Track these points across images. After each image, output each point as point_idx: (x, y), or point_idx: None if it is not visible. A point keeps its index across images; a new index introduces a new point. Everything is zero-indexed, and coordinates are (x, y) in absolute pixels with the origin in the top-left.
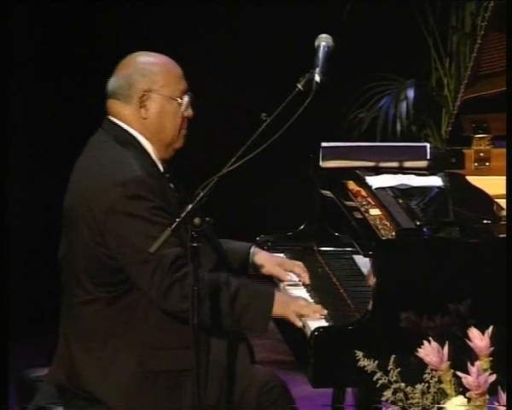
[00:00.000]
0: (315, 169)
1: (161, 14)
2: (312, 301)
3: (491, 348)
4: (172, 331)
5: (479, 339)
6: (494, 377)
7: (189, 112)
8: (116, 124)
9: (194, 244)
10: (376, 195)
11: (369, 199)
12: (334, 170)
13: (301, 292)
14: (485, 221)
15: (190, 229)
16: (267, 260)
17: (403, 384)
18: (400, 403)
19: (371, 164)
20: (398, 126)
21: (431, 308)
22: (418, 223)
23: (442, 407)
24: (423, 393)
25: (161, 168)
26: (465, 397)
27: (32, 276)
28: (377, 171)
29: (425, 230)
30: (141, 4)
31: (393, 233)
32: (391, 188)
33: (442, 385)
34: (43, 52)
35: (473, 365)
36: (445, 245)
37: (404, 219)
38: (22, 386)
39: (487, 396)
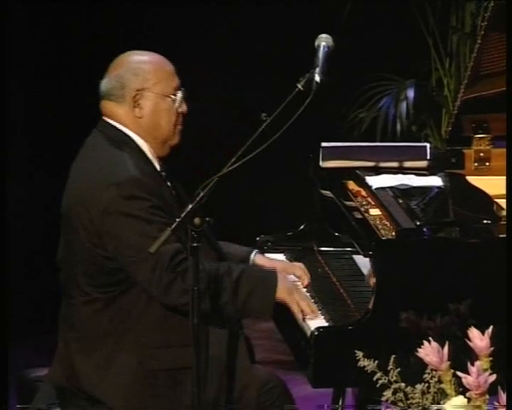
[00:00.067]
0: (315, 169)
1: (161, 14)
2: (312, 301)
3: (491, 348)
4: (171, 330)
5: (479, 339)
6: (494, 377)
7: (184, 107)
8: (111, 124)
9: (195, 244)
10: (376, 195)
11: (369, 199)
12: (334, 170)
13: None
14: (485, 221)
15: (190, 229)
16: (267, 265)
17: (403, 384)
18: (400, 403)
19: (371, 164)
20: (398, 126)
21: (431, 308)
22: (418, 223)
23: (442, 407)
24: (423, 393)
25: (157, 167)
26: (465, 397)
27: (32, 276)
28: (377, 171)
29: (425, 230)
30: (141, 4)
31: (393, 233)
32: (391, 188)
33: (442, 385)
34: (43, 52)
35: (473, 365)
36: (445, 245)
37: (404, 219)
38: (22, 386)
39: (487, 396)
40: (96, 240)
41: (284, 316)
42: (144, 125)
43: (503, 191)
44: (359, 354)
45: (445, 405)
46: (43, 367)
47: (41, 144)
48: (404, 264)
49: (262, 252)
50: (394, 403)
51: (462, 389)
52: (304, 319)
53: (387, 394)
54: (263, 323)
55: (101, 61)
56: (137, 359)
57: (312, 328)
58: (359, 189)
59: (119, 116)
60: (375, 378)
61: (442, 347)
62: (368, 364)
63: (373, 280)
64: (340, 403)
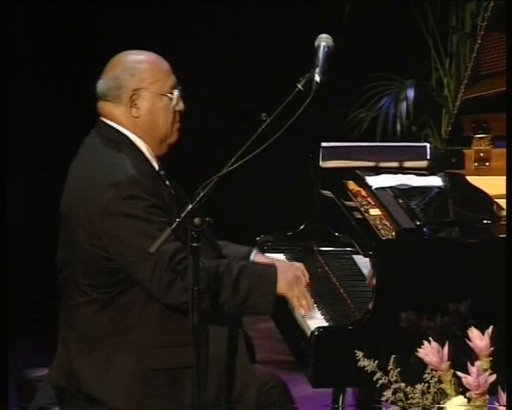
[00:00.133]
0: (315, 169)
1: (161, 14)
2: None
3: (491, 348)
4: (171, 329)
5: (479, 339)
6: (494, 377)
7: (181, 105)
8: (108, 125)
9: (195, 244)
10: (376, 195)
11: (369, 199)
12: (334, 170)
13: None
14: (485, 221)
15: (190, 229)
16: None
17: (403, 384)
18: (400, 403)
19: (371, 164)
20: (398, 126)
21: (431, 308)
22: (418, 223)
23: (442, 407)
24: (423, 393)
25: (156, 166)
26: (465, 397)
27: (32, 276)
28: (377, 171)
29: (425, 230)
30: (141, 4)
31: (393, 233)
32: (391, 188)
33: (442, 385)
34: (43, 52)
35: (473, 365)
36: (445, 245)
37: (404, 219)
38: (22, 386)
39: (487, 396)
40: (95, 241)
41: (284, 316)
42: (142, 124)
43: (503, 191)
44: (359, 354)
45: (445, 405)
46: (43, 367)
47: (41, 144)
48: (404, 264)
49: (262, 252)
50: (394, 403)
51: (462, 389)
52: (303, 317)
53: (387, 394)
54: (263, 323)
55: (101, 61)
56: (137, 358)
57: (312, 328)
58: (359, 189)
59: (116, 116)
60: (375, 378)
61: (442, 347)
62: (368, 364)
63: (373, 280)
64: (340, 403)
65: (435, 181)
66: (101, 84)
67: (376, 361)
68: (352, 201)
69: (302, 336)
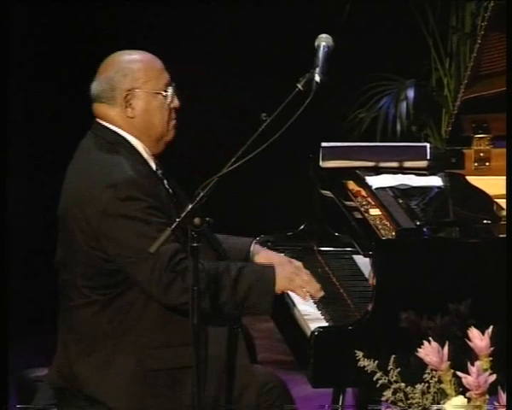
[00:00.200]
0: (315, 169)
1: (161, 14)
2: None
3: (491, 348)
4: (170, 329)
5: (479, 339)
6: (494, 377)
7: (176, 102)
8: (104, 126)
9: (194, 244)
10: (376, 195)
11: (369, 199)
12: (334, 170)
13: None
14: (485, 221)
15: (190, 229)
16: (266, 256)
17: (403, 384)
18: (400, 403)
19: (371, 164)
20: (398, 126)
21: (431, 308)
22: (418, 223)
23: (442, 407)
24: (423, 393)
25: (153, 166)
26: (465, 397)
27: (32, 276)
28: (377, 171)
29: (425, 230)
30: (141, 4)
31: (393, 233)
32: (391, 188)
33: (442, 385)
34: (43, 52)
35: (473, 365)
36: (445, 245)
37: (404, 219)
38: (22, 386)
39: (487, 396)
40: (93, 243)
41: (284, 316)
42: (137, 124)
43: (503, 191)
44: (359, 354)
45: (445, 405)
46: (43, 367)
47: (41, 144)
48: (404, 264)
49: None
50: (394, 403)
51: (462, 389)
52: (304, 317)
53: (387, 394)
54: (263, 323)
55: (101, 61)
56: (137, 359)
57: (312, 328)
58: (359, 189)
59: (111, 118)
60: (375, 378)
61: (442, 347)
62: (368, 364)
63: (373, 280)
64: (340, 403)
65: (435, 181)
66: (95, 87)
67: (376, 361)
68: (351, 201)
69: (302, 336)
